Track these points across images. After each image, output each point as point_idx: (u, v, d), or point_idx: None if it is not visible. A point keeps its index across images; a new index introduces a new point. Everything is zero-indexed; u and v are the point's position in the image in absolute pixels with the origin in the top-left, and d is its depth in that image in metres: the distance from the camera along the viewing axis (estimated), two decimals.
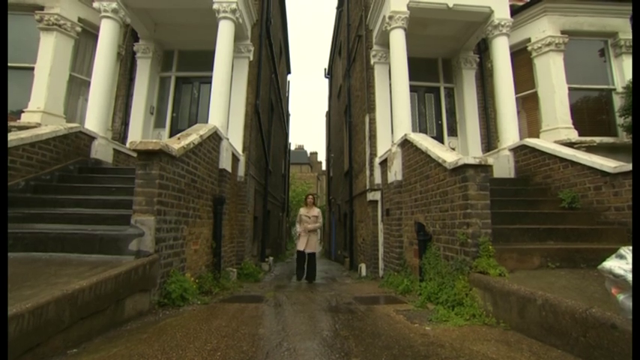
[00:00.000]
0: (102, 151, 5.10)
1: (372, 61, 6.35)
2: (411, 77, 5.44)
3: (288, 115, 16.37)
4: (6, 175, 2.72)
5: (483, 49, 6.91)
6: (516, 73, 5.74)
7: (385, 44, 6.03)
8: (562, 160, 4.16)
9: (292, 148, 25.62)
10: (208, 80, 6.31)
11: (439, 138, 6.72)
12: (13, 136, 3.69)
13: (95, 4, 5.32)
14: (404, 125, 5.12)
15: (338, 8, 11.68)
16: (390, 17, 5.40)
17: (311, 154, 45.48)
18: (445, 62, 7.20)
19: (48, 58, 5.50)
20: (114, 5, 5.28)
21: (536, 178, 4.59)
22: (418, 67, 6.56)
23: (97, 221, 3.18)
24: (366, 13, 6.75)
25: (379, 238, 5.70)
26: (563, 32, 5.92)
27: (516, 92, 5.61)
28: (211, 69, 5.32)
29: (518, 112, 5.70)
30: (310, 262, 5.64)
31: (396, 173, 4.89)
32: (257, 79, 6.49)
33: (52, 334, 1.66)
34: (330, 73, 15.17)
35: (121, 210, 3.34)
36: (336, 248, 12.89)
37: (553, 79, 5.75)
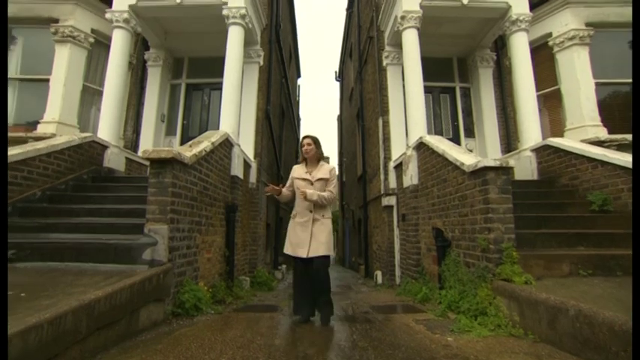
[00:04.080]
0: (114, 159, 5.24)
1: (385, 62, 6.35)
2: (425, 78, 5.40)
3: (299, 119, 16.48)
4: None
5: (501, 47, 6.82)
6: (537, 69, 5.59)
7: (397, 45, 6.02)
8: (590, 160, 4.00)
9: None
10: (218, 86, 6.45)
11: (455, 140, 6.63)
12: (29, 147, 3.84)
13: (107, 15, 5.52)
14: (419, 127, 5.08)
15: (348, 10, 11.75)
16: (403, 17, 5.40)
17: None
18: (460, 61, 7.13)
19: (62, 70, 5.71)
20: (125, 15, 5.47)
21: (561, 179, 4.46)
22: (432, 67, 6.51)
23: (110, 230, 3.26)
24: (377, 14, 6.77)
25: (395, 245, 5.64)
26: (587, 25, 5.72)
27: (537, 90, 5.48)
28: (221, 75, 5.43)
29: (540, 111, 5.56)
30: (319, 280, 2.78)
31: (411, 177, 4.84)
32: (267, 84, 6.58)
33: (69, 345, 1.70)
34: (341, 76, 15.23)
35: (134, 219, 3.41)
36: (351, 255, 12.82)
37: (578, 75, 5.58)
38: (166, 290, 2.75)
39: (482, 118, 6.62)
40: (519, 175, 5.03)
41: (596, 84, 5.58)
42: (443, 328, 2.58)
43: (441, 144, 4.09)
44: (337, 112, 17.74)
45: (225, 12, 5.42)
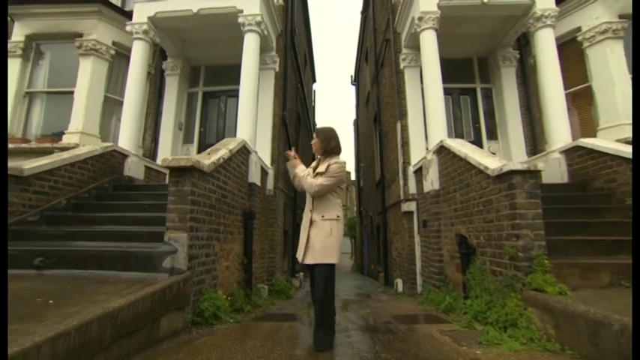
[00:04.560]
0: (134, 168, 5.42)
1: (402, 65, 6.32)
2: (444, 79, 5.33)
3: (314, 125, 16.57)
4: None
5: (524, 44, 6.66)
6: (564, 67, 5.39)
7: (415, 47, 5.99)
8: (630, 161, 3.78)
9: None
10: (234, 94, 6.59)
11: (477, 142, 6.49)
12: (56, 157, 4.03)
13: (128, 28, 5.76)
14: (439, 131, 5.01)
15: (362, 13, 11.81)
16: (420, 18, 5.37)
17: None
18: (481, 61, 7.01)
19: (86, 82, 6.00)
20: (145, 27, 5.69)
21: (595, 182, 4.27)
22: (451, 69, 6.42)
23: (131, 238, 3.35)
24: (394, 16, 6.76)
25: (416, 252, 5.55)
26: (620, 17, 5.47)
27: (565, 88, 5.27)
28: (237, 82, 5.55)
29: (568, 110, 5.36)
30: (316, 294, 2.48)
31: (432, 182, 4.76)
32: (283, 90, 6.66)
33: (94, 353, 1.75)
34: (356, 80, 15.26)
35: (154, 227, 3.49)
36: (369, 262, 12.68)
37: (612, 70, 5.34)
38: (186, 298, 2.80)
39: (505, 120, 6.46)
40: (547, 178, 4.86)
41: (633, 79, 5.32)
42: (470, 340, 2.50)
43: (462, 147, 4.02)
44: (353, 116, 17.74)
45: (240, 20, 5.55)
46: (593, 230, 3.31)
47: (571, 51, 5.89)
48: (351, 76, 15.71)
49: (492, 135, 6.73)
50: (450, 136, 5.55)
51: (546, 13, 5.22)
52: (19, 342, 1.39)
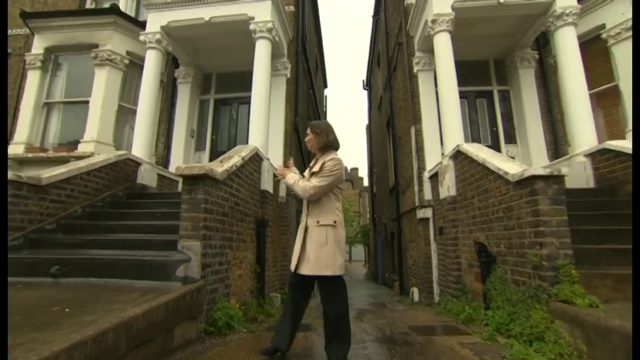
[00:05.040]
0: (147, 176, 5.53)
1: (415, 68, 6.30)
2: (460, 82, 5.28)
3: None
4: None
5: (543, 44, 6.55)
6: (587, 66, 5.24)
7: (429, 50, 5.96)
8: None
9: None
10: (246, 100, 6.68)
11: (495, 146, 6.38)
12: (72, 166, 4.15)
13: (141, 37, 5.93)
14: (455, 135, 4.95)
15: (374, 17, 11.86)
16: (434, 21, 5.35)
17: (351, 170, 45.55)
18: (497, 63, 6.92)
19: (101, 91, 6.20)
20: (158, 36, 5.86)
21: (625, 187, 4.10)
22: (466, 71, 6.36)
23: (145, 247, 3.41)
24: (406, 19, 6.76)
25: (432, 260, 5.45)
26: None
27: (589, 88, 5.10)
28: (248, 89, 5.63)
29: (593, 111, 5.18)
30: (328, 309, 2.29)
31: (448, 188, 4.70)
32: (295, 96, 6.72)
33: None
34: (368, 85, 15.28)
35: (167, 235, 3.55)
36: (384, 271, 12.54)
37: None
38: (199, 308, 2.82)
39: (524, 123, 6.34)
40: (571, 183, 4.72)
41: None
42: (492, 353, 2.43)
43: (480, 152, 3.95)
44: (365, 121, 17.73)
45: (252, 27, 5.65)
46: (625, 238, 3.11)
47: (595, 49, 5.74)
48: (363, 81, 15.73)
49: (511, 139, 6.61)
50: (466, 140, 5.49)
51: (567, 11, 5.10)
52: (37, 351, 1.43)
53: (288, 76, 6.70)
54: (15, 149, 6.20)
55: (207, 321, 2.93)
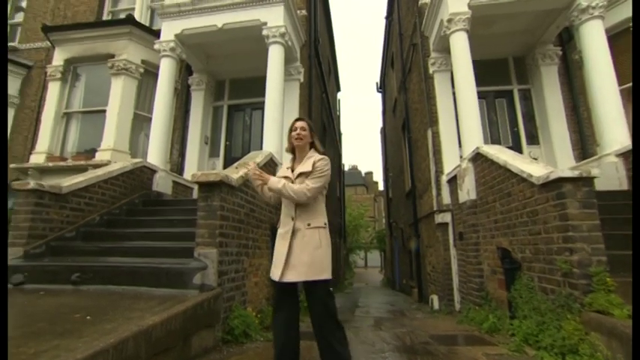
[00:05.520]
0: (162, 183, 5.65)
1: (431, 69, 6.24)
2: (477, 82, 5.19)
3: (340, 134, 16.64)
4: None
5: (567, 40, 6.36)
6: (616, 61, 4.99)
7: (444, 50, 5.91)
8: None
9: (346, 168, 25.83)
10: (259, 106, 6.76)
11: (516, 148, 6.23)
12: (90, 174, 4.28)
13: (156, 46, 6.10)
14: (474, 137, 4.86)
15: (387, 18, 11.85)
16: (449, 20, 5.30)
17: (366, 174, 45.34)
18: (517, 61, 6.79)
19: (117, 100, 6.39)
20: (172, 44, 6.01)
21: None
22: (485, 70, 6.25)
23: (162, 254, 3.47)
24: (421, 20, 6.73)
25: (452, 266, 5.35)
26: None
27: (619, 84, 4.88)
28: (262, 94, 5.70)
29: (624, 108, 4.95)
30: (321, 319, 2.06)
31: (468, 192, 4.62)
32: (309, 100, 6.76)
33: None
34: (382, 87, 15.24)
35: (183, 242, 3.60)
36: (401, 277, 12.38)
37: None
38: (216, 316, 2.84)
39: (547, 122, 6.17)
40: (601, 185, 4.52)
41: None
42: None
43: (501, 154, 3.88)
44: (380, 124, 17.66)
45: (265, 32, 5.73)
46: None
47: (624, 43, 5.49)
48: (377, 83, 15.70)
49: (533, 139, 6.45)
50: (485, 142, 5.38)
51: (593, 4, 4.92)
52: (61, 358, 1.47)
53: (302, 80, 6.75)
54: (37, 159, 6.45)
55: (224, 329, 2.95)
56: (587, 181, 2.59)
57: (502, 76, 6.78)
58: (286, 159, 2.38)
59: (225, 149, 7.35)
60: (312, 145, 2.29)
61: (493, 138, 6.46)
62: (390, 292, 12.93)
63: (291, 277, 2.02)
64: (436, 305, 5.74)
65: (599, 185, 4.49)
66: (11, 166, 6.52)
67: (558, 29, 5.98)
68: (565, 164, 5.63)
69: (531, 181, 3.05)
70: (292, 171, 2.24)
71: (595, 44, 4.91)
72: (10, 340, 1.73)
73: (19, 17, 8.90)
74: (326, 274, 2.05)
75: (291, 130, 2.28)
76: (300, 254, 2.04)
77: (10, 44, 8.35)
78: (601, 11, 4.93)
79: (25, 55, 8.14)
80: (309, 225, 2.11)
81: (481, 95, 5.98)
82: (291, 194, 2.08)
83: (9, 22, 8.90)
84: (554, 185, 2.72)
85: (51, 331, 1.89)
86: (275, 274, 2.09)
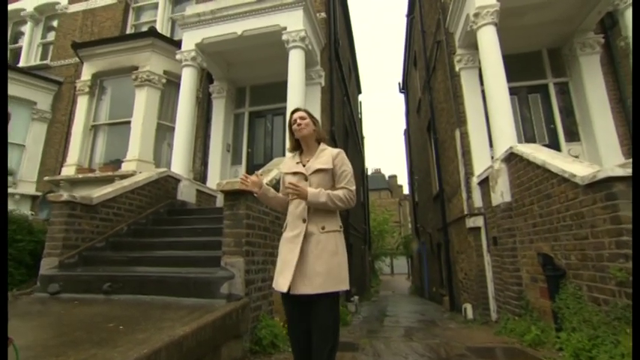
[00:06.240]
0: (186, 192, 5.79)
1: (457, 67, 6.11)
2: (508, 78, 5.01)
3: (362, 138, 16.56)
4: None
5: (610, 26, 6.02)
6: None
7: (471, 46, 5.78)
8: None
9: (369, 172, 25.66)
10: (280, 111, 6.84)
11: (553, 145, 5.96)
12: (118, 185, 4.47)
13: (177, 56, 6.32)
14: (506, 136, 4.70)
15: (408, 16, 11.75)
16: (476, 14, 5.18)
17: (390, 177, 44.89)
18: (552, 52, 6.51)
19: (141, 111, 6.65)
20: (193, 54, 6.20)
21: None
22: (516, 65, 6.05)
23: (188, 264, 3.54)
24: (444, 16, 6.62)
25: (486, 273, 5.17)
26: None
27: None
28: (282, 100, 5.76)
29: None
30: (327, 334, 1.82)
31: (502, 194, 4.45)
32: (330, 104, 6.77)
33: None
34: (405, 88, 15.09)
35: (209, 251, 3.67)
36: (430, 284, 12.09)
37: None
38: (244, 326, 2.86)
39: (588, 116, 5.86)
40: None
41: None
42: None
43: (538, 153, 3.72)
44: (403, 125, 17.46)
45: (284, 37, 5.80)
46: None
47: None
48: (399, 83, 15.56)
49: (572, 136, 6.15)
50: (518, 140, 5.19)
51: None
52: None
53: (323, 84, 6.78)
54: (67, 171, 6.81)
55: (252, 340, 2.96)
56: None
57: (535, 70, 6.53)
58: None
59: (247, 156, 7.47)
60: (318, 139, 2.15)
61: (527, 136, 6.22)
62: (418, 300, 12.64)
63: (304, 289, 1.81)
64: (470, 315, 5.55)
65: None
66: (45, 178, 6.95)
67: (600, 15, 5.67)
68: (612, 161, 5.31)
69: (574, 182, 2.90)
70: (303, 165, 2.06)
71: None
72: (50, 349, 1.81)
73: (50, 36, 9.49)
74: (344, 285, 1.87)
75: (290, 124, 2.13)
76: (315, 263, 1.83)
77: (42, 62, 8.94)
78: None
79: (56, 71, 8.67)
80: (323, 228, 1.91)
81: (512, 91, 5.77)
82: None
83: (42, 41, 9.51)
84: (602, 185, 2.57)
85: (88, 339, 1.97)
86: (282, 284, 1.86)
